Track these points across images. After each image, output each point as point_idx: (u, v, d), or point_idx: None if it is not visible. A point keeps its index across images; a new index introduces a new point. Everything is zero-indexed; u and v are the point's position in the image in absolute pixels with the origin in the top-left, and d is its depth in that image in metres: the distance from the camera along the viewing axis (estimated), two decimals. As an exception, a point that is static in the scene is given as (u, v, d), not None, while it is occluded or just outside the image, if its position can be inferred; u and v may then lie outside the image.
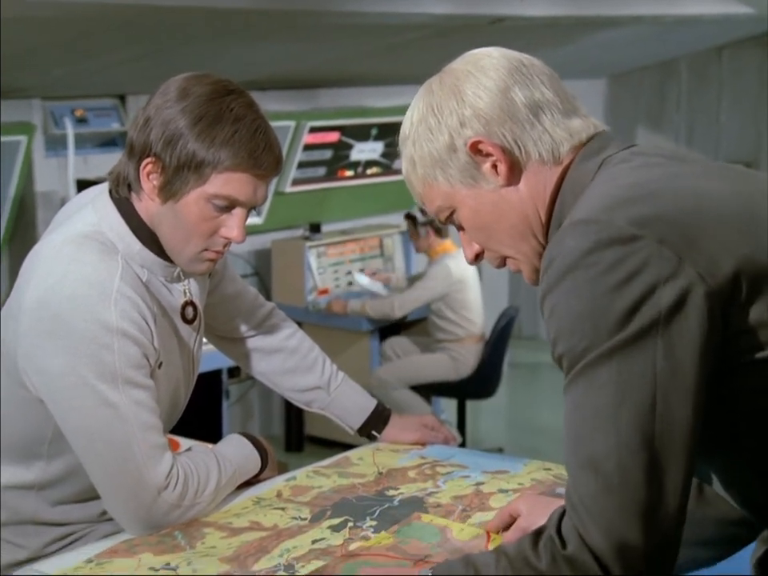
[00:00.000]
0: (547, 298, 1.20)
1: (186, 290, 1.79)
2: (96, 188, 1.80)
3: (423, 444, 2.05)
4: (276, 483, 1.86)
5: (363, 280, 5.70)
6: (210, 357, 2.28)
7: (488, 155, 1.33)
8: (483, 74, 1.34)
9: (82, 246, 1.65)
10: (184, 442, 2.44)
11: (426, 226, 5.11)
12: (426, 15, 4.33)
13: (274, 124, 1.69)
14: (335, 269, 5.72)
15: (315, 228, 5.65)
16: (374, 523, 1.66)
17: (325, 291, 5.61)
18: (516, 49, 1.40)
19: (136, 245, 1.69)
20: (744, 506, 1.34)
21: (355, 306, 5.28)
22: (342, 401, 2.08)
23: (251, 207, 1.69)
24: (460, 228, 1.42)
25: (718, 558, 1.52)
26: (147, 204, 1.69)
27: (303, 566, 1.52)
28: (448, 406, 5.63)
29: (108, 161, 2.31)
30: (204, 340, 1.91)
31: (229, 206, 1.66)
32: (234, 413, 5.38)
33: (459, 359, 5.09)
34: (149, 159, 1.64)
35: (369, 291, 5.58)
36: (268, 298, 2.20)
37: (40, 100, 4.50)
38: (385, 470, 1.91)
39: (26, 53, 3.79)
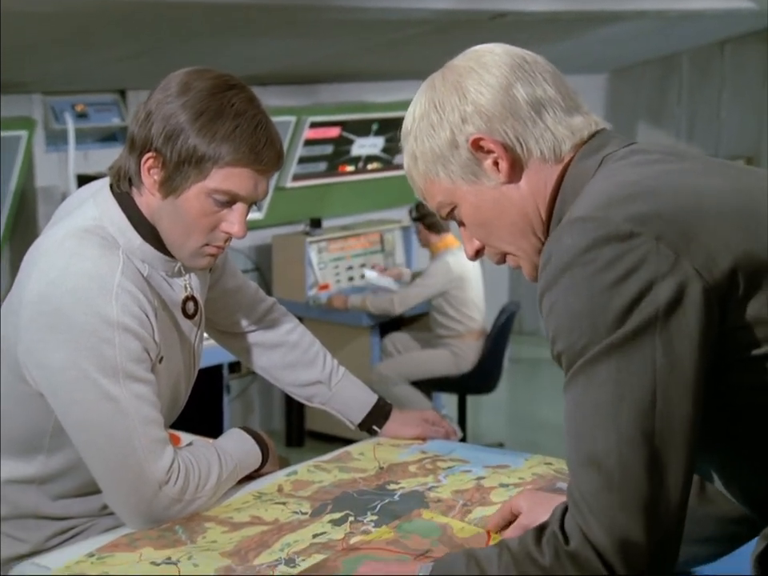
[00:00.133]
0: (545, 295, 1.20)
1: (187, 285, 1.79)
2: (97, 183, 1.81)
3: (424, 439, 2.05)
4: (277, 478, 1.86)
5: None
6: (211, 352, 2.28)
7: (489, 152, 1.34)
8: (486, 71, 1.34)
9: (83, 240, 1.65)
10: (185, 437, 2.44)
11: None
12: (426, 10, 4.32)
13: (274, 119, 1.69)
14: (336, 264, 5.72)
15: (316, 223, 5.65)
16: (374, 518, 1.66)
17: (325, 286, 5.61)
18: (517, 44, 1.40)
19: (137, 239, 1.70)
20: (744, 503, 1.34)
21: (356, 301, 5.28)
22: (343, 396, 2.08)
23: (252, 202, 1.69)
24: (461, 224, 1.42)
25: (718, 555, 1.52)
26: (148, 199, 1.69)
27: (304, 560, 1.52)
28: (449, 402, 5.63)
29: (108, 156, 2.30)
30: (205, 335, 1.92)
31: (229, 201, 1.66)
32: (234, 408, 5.38)
33: (460, 354, 5.10)
34: (150, 154, 1.64)
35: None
36: (269, 293, 2.20)
37: (40, 95, 4.50)
38: (386, 465, 1.91)
39: (26, 48, 3.79)
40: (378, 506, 1.70)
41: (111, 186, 1.73)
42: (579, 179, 1.31)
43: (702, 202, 1.21)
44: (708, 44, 6.87)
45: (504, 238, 1.38)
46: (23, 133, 4.25)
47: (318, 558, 1.52)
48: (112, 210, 1.70)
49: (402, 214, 6.00)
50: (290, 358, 2.08)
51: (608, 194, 1.22)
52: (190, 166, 1.62)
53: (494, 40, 1.42)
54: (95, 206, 1.71)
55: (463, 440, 4.78)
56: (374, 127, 5.82)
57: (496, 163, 1.34)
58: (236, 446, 1.82)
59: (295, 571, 1.49)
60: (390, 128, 5.78)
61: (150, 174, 1.66)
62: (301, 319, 2.21)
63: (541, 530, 1.19)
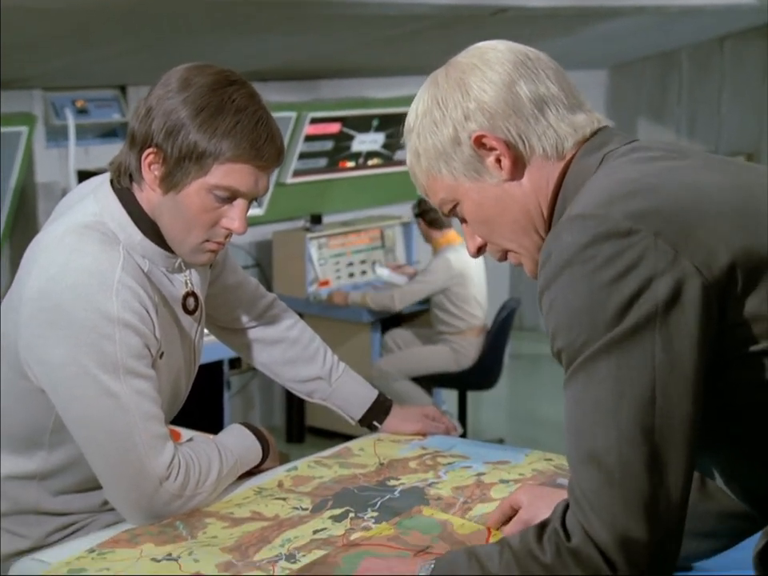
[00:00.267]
0: (545, 293, 1.20)
1: (188, 281, 1.79)
2: (97, 178, 1.81)
3: (424, 434, 2.05)
4: (277, 473, 1.87)
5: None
6: (212, 348, 2.28)
7: (492, 149, 1.34)
8: (489, 68, 1.34)
9: (84, 236, 1.65)
10: (185, 433, 2.44)
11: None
12: (427, 6, 4.32)
13: (275, 115, 1.69)
14: (336, 260, 5.72)
15: (316, 219, 5.65)
16: (375, 514, 1.66)
17: (326, 282, 5.61)
18: (518, 40, 1.40)
19: (137, 235, 1.70)
20: (745, 500, 1.34)
21: (356, 297, 5.29)
22: (343, 391, 2.08)
23: (252, 198, 1.69)
24: (463, 221, 1.42)
25: (719, 550, 1.52)
26: (148, 194, 1.69)
27: (304, 556, 1.52)
28: (449, 398, 5.64)
29: (109, 151, 2.31)
30: (205, 331, 1.92)
31: (230, 197, 1.66)
32: (235, 404, 5.38)
33: (460, 351, 5.10)
34: (150, 150, 1.64)
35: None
36: (269, 289, 2.21)
37: (41, 90, 4.50)
38: (386, 461, 1.91)
39: (27, 43, 3.79)
40: (379, 503, 1.70)
41: (112, 182, 1.72)
42: (581, 176, 1.31)
43: (702, 198, 1.21)
44: (708, 40, 6.87)
45: (506, 235, 1.38)
46: (23, 129, 4.24)
47: (319, 553, 1.53)
48: (112, 205, 1.70)
49: (403, 210, 6.00)
50: (291, 353, 2.08)
51: (608, 191, 1.22)
52: (190, 161, 1.62)
53: (494, 36, 1.42)
54: (95, 202, 1.71)
55: (463, 436, 4.78)
56: (375, 123, 5.81)
57: (498, 160, 1.34)
58: (236, 441, 1.82)
59: (296, 567, 1.49)
60: (391, 124, 5.78)
61: (151, 170, 1.66)
62: (301, 315, 2.21)
63: (542, 527, 1.19)
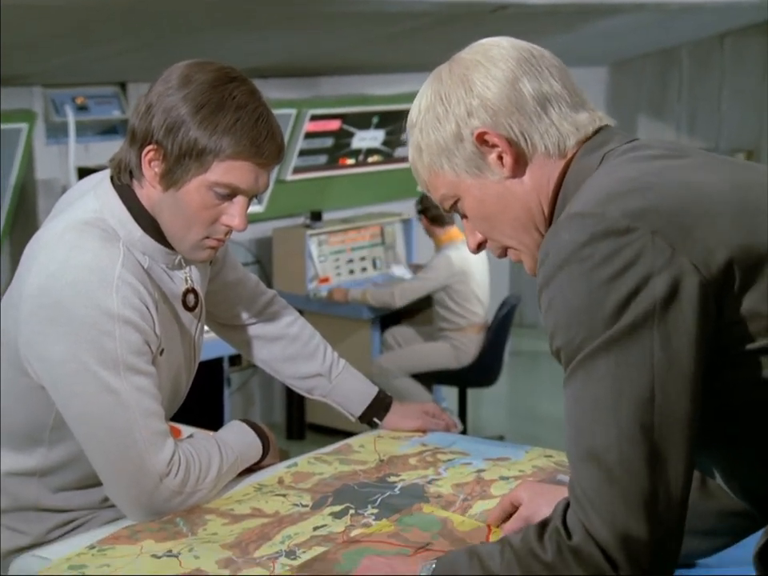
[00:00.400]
0: (544, 291, 1.20)
1: (188, 278, 1.79)
2: (97, 175, 1.81)
3: (424, 431, 2.06)
4: (277, 470, 1.87)
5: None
6: (212, 344, 2.28)
7: (494, 146, 1.34)
8: (492, 64, 1.34)
9: (84, 232, 1.65)
10: (185, 430, 2.44)
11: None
12: (427, 3, 4.31)
13: (275, 112, 1.69)
14: (336, 257, 5.72)
15: (316, 216, 5.65)
16: (375, 511, 1.66)
17: (326, 279, 5.61)
18: (518, 37, 1.40)
19: (137, 232, 1.70)
20: (745, 499, 1.34)
21: (356, 294, 5.29)
22: (344, 388, 2.08)
23: (253, 195, 1.69)
24: (464, 217, 1.42)
25: (720, 548, 1.52)
26: (149, 191, 1.69)
27: (304, 552, 1.52)
28: (449, 395, 5.64)
29: (109, 148, 2.30)
30: (205, 327, 1.92)
31: (230, 194, 1.66)
32: (235, 401, 5.38)
33: (461, 348, 5.10)
34: (150, 146, 1.64)
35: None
36: (269, 286, 2.21)
37: (41, 87, 4.49)
38: (386, 457, 1.91)
39: (27, 40, 3.78)
40: (379, 500, 1.71)
41: (112, 179, 1.73)
42: (581, 175, 1.31)
43: (701, 196, 1.21)
44: (708, 37, 6.86)
45: (506, 232, 1.38)
46: (23, 125, 4.24)
47: (319, 550, 1.53)
48: (112, 202, 1.70)
49: (403, 207, 6.00)
50: (291, 350, 2.08)
51: (606, 190, 1.22)
52: (190, 158, 1.62)
53: (494, 33, 1.42)
54: (96, 199, 1.71)
55: (464, 433, 4.79)
56: (375, 120, 5.81)
57: (500, 157, 1.34)
58: (237, 438, 1.82)
59: (296, 563, 1.50)
60: (391, 121, 5.78)
61: (151, 167, 1.65)
62: (301, 312, 2.21)
63: (543, 525, 1.19)
